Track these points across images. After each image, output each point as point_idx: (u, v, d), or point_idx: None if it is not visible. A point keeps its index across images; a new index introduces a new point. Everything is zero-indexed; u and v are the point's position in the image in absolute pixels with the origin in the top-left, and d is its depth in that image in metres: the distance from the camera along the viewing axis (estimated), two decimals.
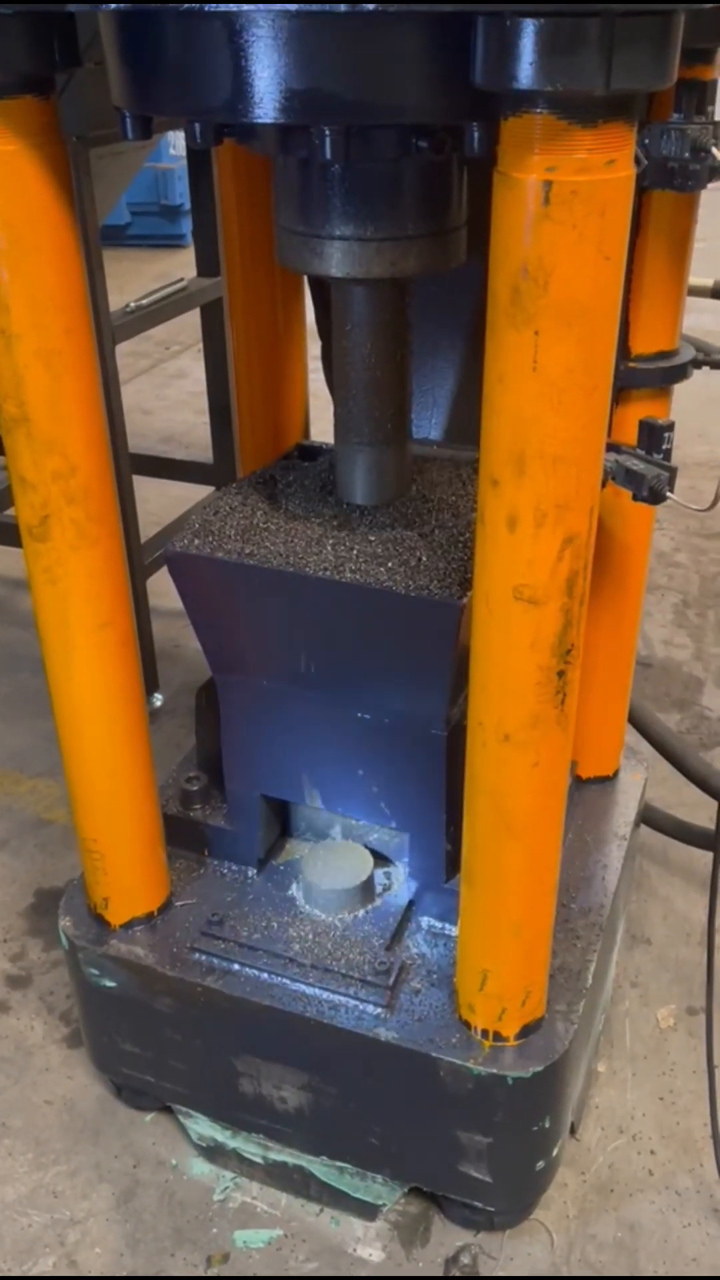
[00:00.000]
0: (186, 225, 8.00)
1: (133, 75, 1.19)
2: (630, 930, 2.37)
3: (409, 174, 1.37)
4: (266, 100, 1.11)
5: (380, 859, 1.85)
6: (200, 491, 3.54)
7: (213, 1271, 1.76)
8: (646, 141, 1.25)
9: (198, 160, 2.92)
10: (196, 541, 1.59)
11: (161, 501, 3.79)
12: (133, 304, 2.74)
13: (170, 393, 5.54)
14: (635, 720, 2.39)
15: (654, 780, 2.53)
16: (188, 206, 7.89)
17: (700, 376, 1.78)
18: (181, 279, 2.95)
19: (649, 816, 2.42)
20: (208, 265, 3.04)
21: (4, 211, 1.25)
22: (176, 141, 7.30)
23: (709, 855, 2.46)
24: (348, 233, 1.39)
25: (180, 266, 5.15)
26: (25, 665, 3.35)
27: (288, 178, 1.43)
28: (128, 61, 1.18)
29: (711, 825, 2.36)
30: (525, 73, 0.96)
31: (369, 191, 1.37)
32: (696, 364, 1.74)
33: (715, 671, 3.29)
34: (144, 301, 2.75)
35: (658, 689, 3.20)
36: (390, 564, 1.50)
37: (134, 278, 5.75)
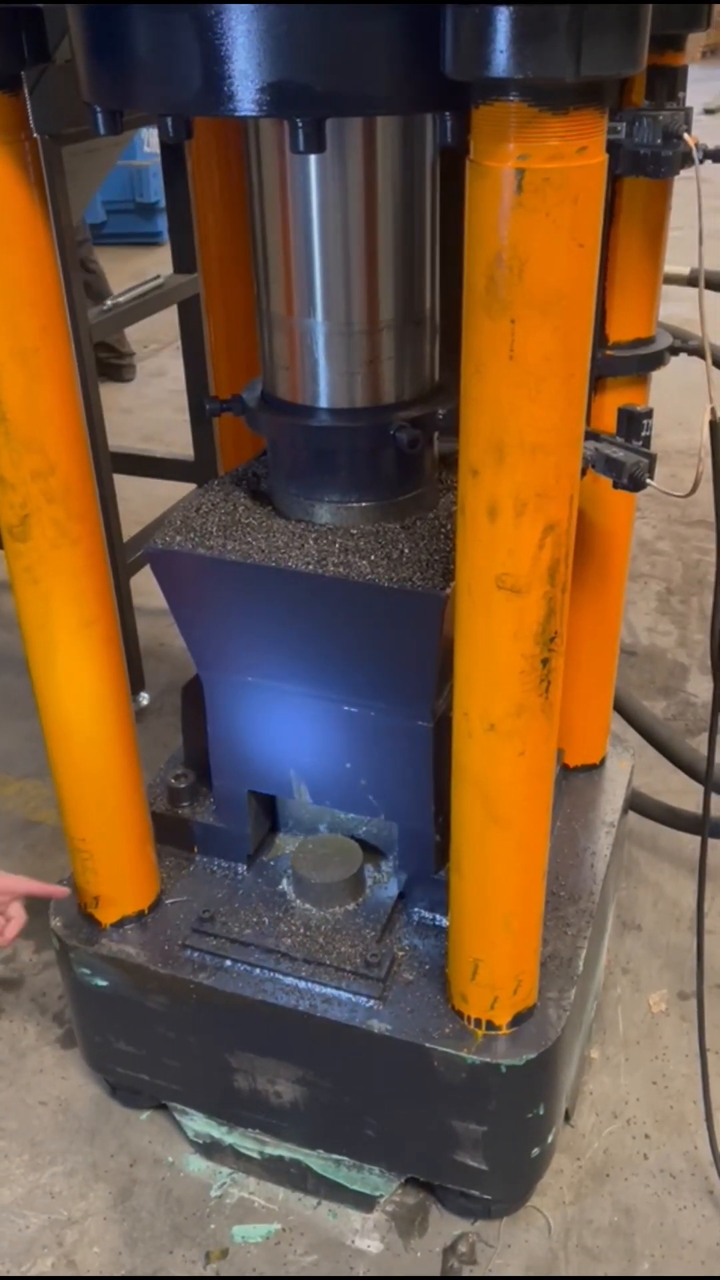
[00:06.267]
0: (162, 223, 7.96)
1: (102, 70, 1.18)
2: (620, 916, 2.38)
3: None
4: (237, 93, 1.11)
5: (370, 852, 1.85)
6: (182, 489, 3.53)
7: (212, 1267, 1.76)
8: (621, 127, 1.25)
9: (172, 156, 2.90)
10: (178, 538, 1.58)
11: (143, 500, 3.78)
12: (109, 302, 2.72)
13: (150, 391, 5.52)
14: (621, 708, 2.40)
15: (640, 767, 2.54)
16: (163, 204, 7.91)
17: (677, 364, 1.79)
18: (158, 275, 2.94)
19: (637, 803, 2.43)
20: (184, 261, 3.03)
21: None
22: (150, 139, 7.26)
23: (697, 840, 2.47)
24: None
25: (157, 264, 5.13)
26: (9, 667, 3.34)
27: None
28: (96, 56, 1.18)
29: (698, 810, 2.38)
30: (496, 61, 0.96)
31: None
32: (674, 351, 1.75)
33: (699, 658, 3.30)
34: (121, 299, 2.74)
35: (643, 676, 3.21)
36: (373, 557, 1.50)
37: (110, 275, 5.72)
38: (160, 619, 3.46)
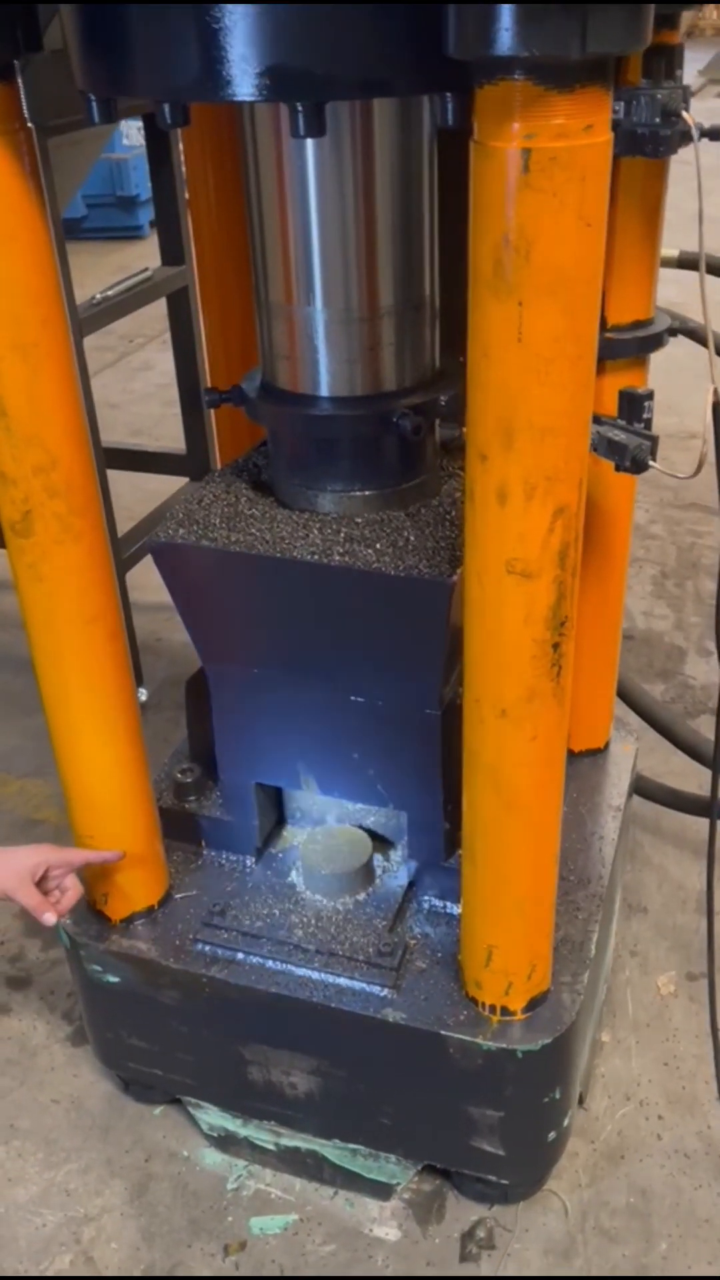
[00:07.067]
0: (143, 216, 7.92)
1: (97, 58, 1.17)
2: (627, 900, 2.39)
3: None
4: (236, 78, 1.10)
5: (378, 842, 1.85)
6: (173, 483, 3.52)
7: (230, 1260, 1.76)
8: (620, 106, 1.24)
9: (157, 148, 2.88)
10: (181, 531, 1.57)
11: (135, 495, 3.76)
12: (99, 295, 2.70)
13: (137, 385, 5.49)
14: (622, 692, 2.40)
15: (640, 750, 2.54)
16: (144, 197, 7.87)
17: (667, 349, 1.78)
18: (146, 269, 2.91)
19: (642, 787, 2.43)
20: (172, 254, 3.01)
21: None
22: (130, 131, 7.22)
23: (702, 823, 2.48)
24: None
25: (138, 258, 5.10)
26: (6, 666, 3.33)
27: None
28: (92, 44, 1.17)
29: (701, 792, 2.39)
30: (501, 39, 0.95)
31: None
32: (672, 332, 1.74)
33: (696, 641, 3.31)
34: (110, 292, 2.72)
35: (640, 660, 3.21)
36: (378, 545, 1.50)
37: (92, 270, 5.69)
38: (156, 614, 3.45)
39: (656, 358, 1.71)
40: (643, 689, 2.48)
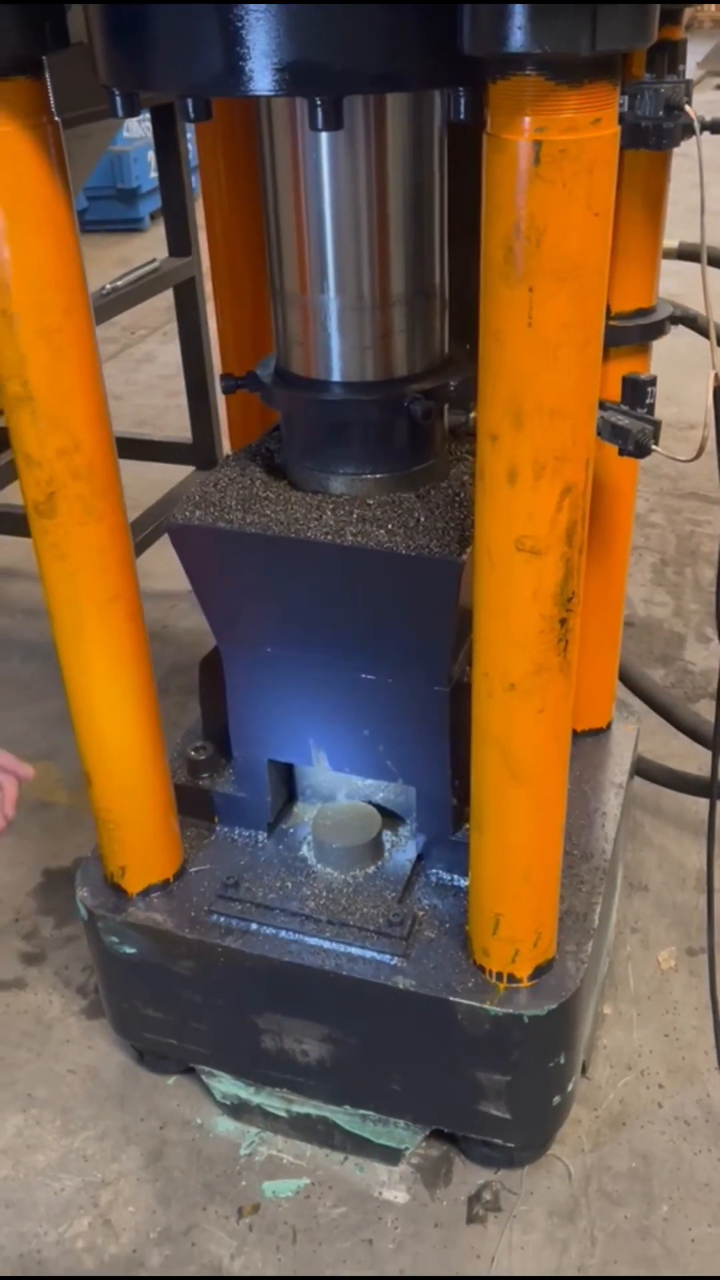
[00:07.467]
0: (144, 209, 7.95)
1: (122, 53, 1.22)
2: (628, 878, 2.44)
3: None
4: (258, 74, 1.14)
5: (388, 818, 1.90)
6: (178, 472, 3.56)
7: (245, 1221, 1.81)
8: (624, 100, 1.29)
9: (165, 141, 2.93)
10: (198, 513, 1.62)
11: (138, 485, 3.78)
12: (109, 286, 2.75)
13: (140, 377, 5.53)
14: (623, 676, 2.45)
15: (642, 735, 2.59)
16: (144, 189, 7.90)
17: (668, 341, 1.83)
18: (154, 259, 2.96)
19: (643, 768, 2.49)
20: (178, 245, 3.06)
21: (2, 192, 1.27)
22: (130, 124, 7.24)
23: (701, 803, 2.54)
24: None
25: (139, 251, 5.14)
26: (15, 652, 3.37)
27: None
28: (117, 40, 1.21)
29: (701, 773, 2.44)
30: (514, 37, 1.00)
31: None
32: (674, 320, 1.79)
33: (696, 627, 3.36)
34: (119, 283, 2.77)
35: (641, 646, 3.26)
36: (390, 525, 1.54)
37: (96, 263, 5.70)
38: (162, 601, 3.50)
39: (659, 351, 1.76)
40: (643, 672, 2.53)
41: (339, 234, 1.45)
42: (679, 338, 1.97)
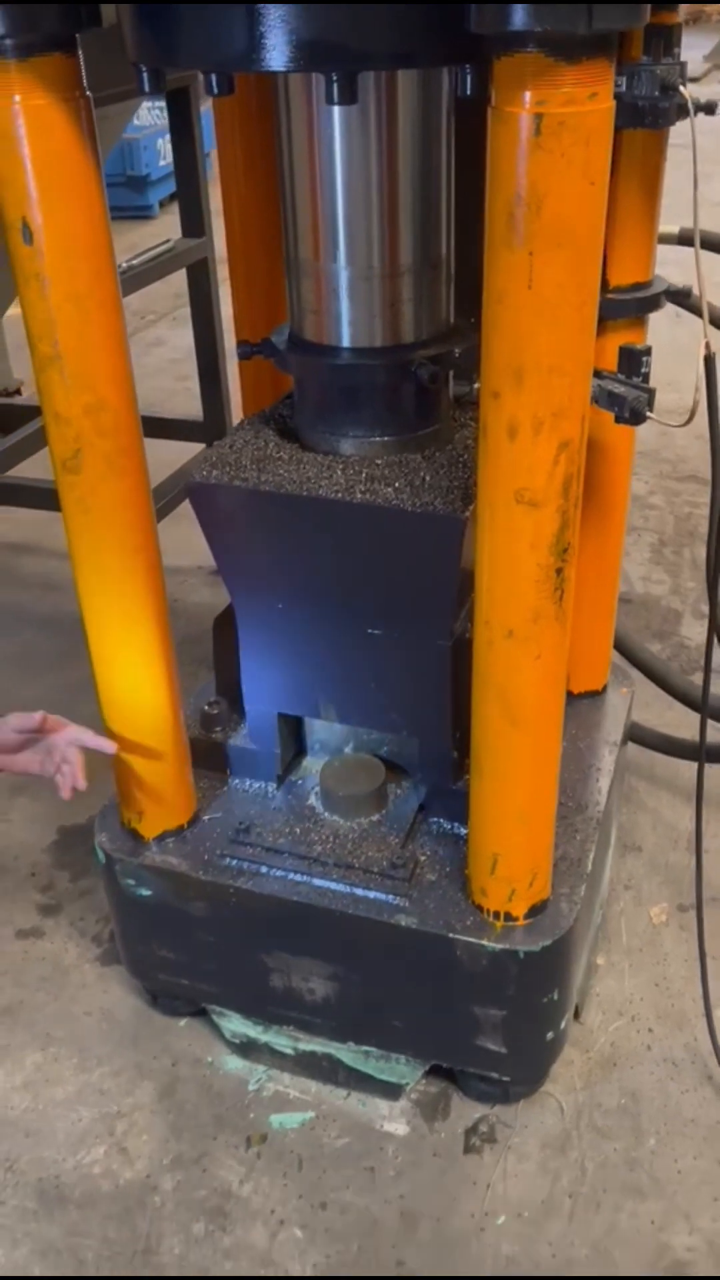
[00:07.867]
0: (154, 196, 8.02)
1: (150, 31, 1.30)
2: (622, 840, 2.53)
3: None
4: (278, 50, 1.23)
5: (392, 770, 1.99)
6: (188, 450, 3.65)
7: (253, 1150, 1.91)
8: (621, 80, 1.37)
9: (179, 124, 3.01)
10: (215, 472, 1.71)
11: (150, 462, 3.87)
12: (125, 264, 2.83)
13: (149, 360, 5.60)
14: (619, 646, 2.54)
15: (636, 705, 2.68)
16: (154, 177, 7.97)
17: (669, 329, 1.91)
18: (169, 239, 3.04)
19: (637, 734, 2.58)
20: (192, 226, 3.14)
21: (36, 162, 1.36)
22: (140, 112, 7.31)
23: (692, 768, 2.62)
24: None
25: (148, 238, 5.19)
26: (30, 625, 3.46)
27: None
28: (145, 18, 1.30)
29: (693, 738, 2.52)
30: (516, 16, 1.09)
31: None
32: (669, 296, 1.87)
33: (692, 604, 3.45)
34: (135, 262, 2.85)
35: (639, 622, 3.35)
36: (397, 484, 1.63)
37: None
38: (174, 576, 3.56)
39: (661, 340, 1.84)
40: (639, 642, 2.62)
41: (351, 205, 1.54)
42: (680, 326, 2.05)
